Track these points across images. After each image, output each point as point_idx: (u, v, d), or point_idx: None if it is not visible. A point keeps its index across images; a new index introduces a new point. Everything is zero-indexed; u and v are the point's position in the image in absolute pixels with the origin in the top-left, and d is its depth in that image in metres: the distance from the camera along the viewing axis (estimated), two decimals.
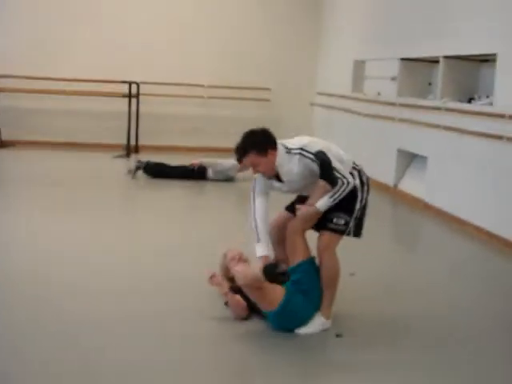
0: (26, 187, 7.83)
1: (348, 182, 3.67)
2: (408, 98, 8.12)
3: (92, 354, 3.39)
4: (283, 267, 3.71)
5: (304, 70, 12.12)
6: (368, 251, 5.70)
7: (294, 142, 3.78)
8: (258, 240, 3.81)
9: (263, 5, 11.85)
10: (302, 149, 3.69)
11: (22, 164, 9.72)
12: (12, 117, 11.05)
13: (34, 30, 11.09)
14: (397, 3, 8.65)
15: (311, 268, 3.83)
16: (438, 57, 7.33)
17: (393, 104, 8.37)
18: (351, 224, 3.82)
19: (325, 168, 3.66)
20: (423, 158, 7.80)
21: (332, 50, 11.40)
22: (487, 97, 6.73)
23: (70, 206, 6.97)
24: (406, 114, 8.02)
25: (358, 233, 3.91)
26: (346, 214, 3.79)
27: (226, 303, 4.01)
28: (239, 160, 3.81)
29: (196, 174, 8.83)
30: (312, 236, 3.90)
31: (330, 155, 3.69)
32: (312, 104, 11.90)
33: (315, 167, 3.68)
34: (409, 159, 8.38)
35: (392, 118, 8.37)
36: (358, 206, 3.82)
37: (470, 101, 7.00)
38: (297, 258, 3.81)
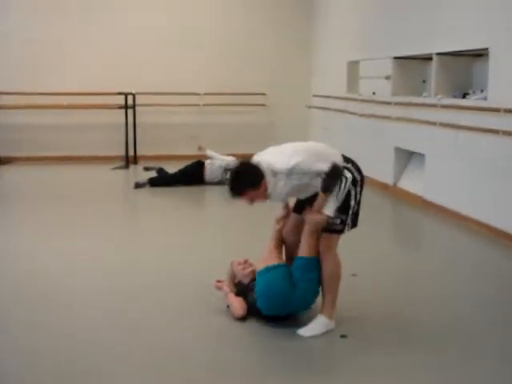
0: (26, 202, 7.86)
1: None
2: (403, 96, 8.13)
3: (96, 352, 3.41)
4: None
5: (299, 73, 12.14)
6: (370, 251, 5.72)
7: (276, 161, 3.72)
8: None
9: (255, 10, 11.88)
10: (287, 169, 3.65)
11: (20, 180, 9.75)
12: (9, 133, 11.10)
13: (28, 45, 11.15)
14: (387, 3, 8.67)
15: (307, 265, 3.85)
16: (430, 54, 7.35)
17: (388, 103, 8.39)
18: (348, 221, 3.83)
19: (326, 183, 3.68)
20: (421, 156, 7.81)
21: (326, 51, 11.43)
22: (481, 91, 6.75)
23: (72, 219, 6.97)
24: (402, 112, 8.03)
25: (354, 225, 3.92)
26: (342, 213, 3.78)
27: (228, 306, 4.08)
28: (235, 197, 3.85)
29: (195, 177, 8.96)
30: None
31: (310, 160, 3.69)
32: (308, 106, 11.92)
33: (306, 179, 3.70)
34: (407, 157, 8.40)
35: (388, 117, 8.39)
36: (352, 202, 3.81)
37: (464, 96, 7.01)
38: (299, 253, 3.89)
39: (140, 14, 11.47)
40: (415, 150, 8.06)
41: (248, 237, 6.02)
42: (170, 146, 11.61)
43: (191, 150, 10.96)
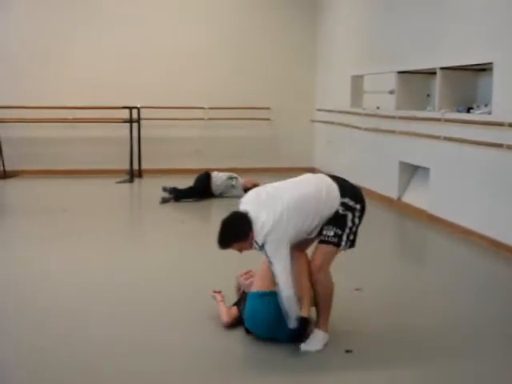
0: (31, 215, 7.87)
1: (279, 288, 3.64)
2: (407, 110, 8.14)
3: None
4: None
5: (303, 87, 12.17)
6: (374, 265, 5.71)
7: (259, 229, 3.65)
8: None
9: (259, 25, 11.92)
10: (262, 246, 3.66)
11: (27, 193, 9.77)
12: (15, 147, 11.14)
13: (34, 60, 11.23)
14: (391, 17, 8.70)
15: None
16: (434, 68, 7.36)
17: (392, 117, 8.40)
18: (344, 238, 3.78)
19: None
20: (425, 170, 7.82)
21: (329, 66, 11.46)
22: (486, 106, 6.76)
23: (77, 232, 6.98)
24: (406, 126, 8.04)
25: (352, 245, 3.88)
26: (336, 227, 3.75)
27: None
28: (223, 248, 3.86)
29: (204, 189, 9.03)
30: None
31: (279, 255, 3.63)
32: (312, 121, 11.94)
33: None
34: (411, 171, 8.39)
35: (392, 131, 8.40)
36: (349, 223, 3.77)
37: (468, 110, 7.02)
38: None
39: (145, 28, 11.52)
40: (419, 164, 8.06)
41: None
42: (175, 160, 11.63)
43: (196, 164, 11.02)
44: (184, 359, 3.69)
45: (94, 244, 6.46)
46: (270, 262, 3.67)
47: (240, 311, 4.09)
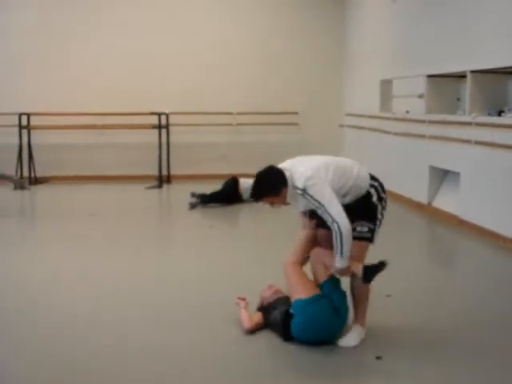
0: (63, 221, 7.97)
1: (337, 226, 3.65)
2: (437, 114, 8.07)
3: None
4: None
5: (331, 92, 12.13)
6: (404, 270, 5.65)
7: (299, 176, 3.78)
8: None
9: (287, 29, 11.94)
10: (304, 190, 3.74)
11: (56, 199, 9.90)
12: (45, 153, 11.27)
13: (63, 68, 11.40)
14: (420, 20, 8.64)
15: (336, 285, 3.98)
16: (464, 71, 7.29)
17: (422, 121, 8.33)
18: (375, 232, 3.89)
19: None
20: (456, 174, 7.73)
21: (358, 70, 11.41)
22: None
23: (108, 237, 7.04)
24: (436, 130, 7.97)
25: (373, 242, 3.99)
26: (369, 221, 3.87)
27: None
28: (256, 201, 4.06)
29: (232, 195, 9.04)
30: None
31: (327, 195, 3.70)
32: (341, 125, 11.89)
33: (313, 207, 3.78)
34: (441, 176, 8.31)
35: (422, 136, 8.33)
36: (379, 216, 3.90)
37: (499, 114, 6.93)
38: (320, 278, 3.98)
39: (173, 34, 11.60)
40: (450, 169, 7.98)
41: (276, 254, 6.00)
42: (203, 165, 11.67)
43: (224, 170, 11.03)
44: (206, 364, 3.68)
45: (119, 248, 6.49)
46: (318, 207, 3.71)
47: (266, 319, 4.09)
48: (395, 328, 4.22)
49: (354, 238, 3.81)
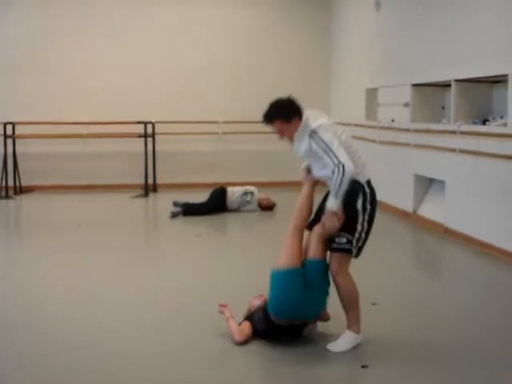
0: (46, 230, 7.92)
1: (342, 168, 3.70)
2: (422, 123, 8.11)
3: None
4: None
5: (317, 100, 12.07)
6: (390, 279, 5.67)
7: (314, 120, 3.89)
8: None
9: (273, 38, 11.98)
10: (315, 131, 3.82)
11: (41, 208, 9.82)
12: (30, 162, 11.22)
13: (48, 76, 11.34)
14: (405, 29, 8.69)
15: (319, 268, 3.96)
16: (449, 80, 7.33)
17: (407, 130, 8.37)
18: (354, 244, 3.86)
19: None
20: (441, 183, 7.76)
21: (344, 79, 11.46)
22: (501, 117, 6.71)
23: (91, 246, 7.00)
24: (421, 139, 8.01)
25: (358, 254, 3.96)
26: (347, 232, 3.85)
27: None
28: (267, 124, 4.10)
29: (219, 204, 9.02)
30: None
31: (336, 142, 3.79)
32: None
33: (318, 151, 3.82)
34: (427, 184, 8.34)
35: (407, 144, 8.36)
36: (359, 227, 3.86)
37: (484, 122, 6.98)
38: (310, 254, 3.96)
39: (158, 43, 11.61)
40: (435, 177, 8.01)
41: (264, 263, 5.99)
42: (190, 174, 11.65)
43: (210, 179, 11.03)
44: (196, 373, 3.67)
45: (107, 259, 6.45)
46: (325, 151, 3.75)
47: (253, 324, 4.09)
48: (381, 336, 4.21)
49: (333, 250, 3.87)
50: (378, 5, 9.59)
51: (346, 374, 3.68)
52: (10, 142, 10.91)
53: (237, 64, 11.87)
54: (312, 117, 3.90)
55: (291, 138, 4.00)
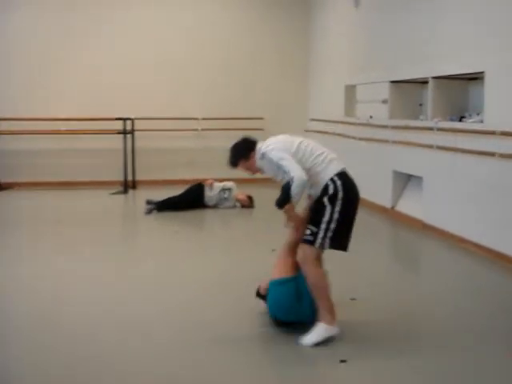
0: (26, 227, 7.88)
1: (293, 180, 3.88)
2: (400, 119, 8.18)
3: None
4: None
5: (296, 97, 12.21)
6: (368, 274, 5.72)
7: (264, 144, 4.27)
8: None
9: (252, 35, 12.00)
10: (263, 154, 4.18)
11: (20, 205, 9.77)
12: (8, 158, 11.15)
13: (25, 71, 11.26)
14: (383, 27, 8.74)
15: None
16: (427, 78, 7.40)
17: (385, 126, 8.43)
18: (320, 235, 3.92)
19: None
20: (419, 179, 7.84)
21: (322, 76, 11.50)
22: (478, 114, 6.79)
23: (70, 243, 6.98)
24: (399, 135, 8.07)
25: (335, 245, 4.02)
26: (312, 224, 3.97)
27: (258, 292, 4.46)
28: (234, 168, 4.45)
29: (196, 200, 9.05)
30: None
31: (285, 157, 4.03)
32: (306, 131, 11.95)
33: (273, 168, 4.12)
34: (405, 180, 8.41)
35: (385, 141, 8.43)
36: (325, 218, 3.93)
37: (461, 119, 7.05)
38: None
39: (138, 40, 11.56)
40: (413, 173, 8.08)
41: (247, 259, 6.02)
42: (169, 171, 11.65)
43: (189, 175, 11.02)
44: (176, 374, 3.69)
45: (86, 255, 6.44)
46: (279, 168, 4.03)
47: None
48: (359, 331, 4.25)
49: (301, 241, 4.04)
50: (356, 2, 9.64)
51: (324, 368, 3.71)
52: None
53: (215, 62, 11.87)
54: (264, 144, 4.26)
55: (257, 169, 4.33)
